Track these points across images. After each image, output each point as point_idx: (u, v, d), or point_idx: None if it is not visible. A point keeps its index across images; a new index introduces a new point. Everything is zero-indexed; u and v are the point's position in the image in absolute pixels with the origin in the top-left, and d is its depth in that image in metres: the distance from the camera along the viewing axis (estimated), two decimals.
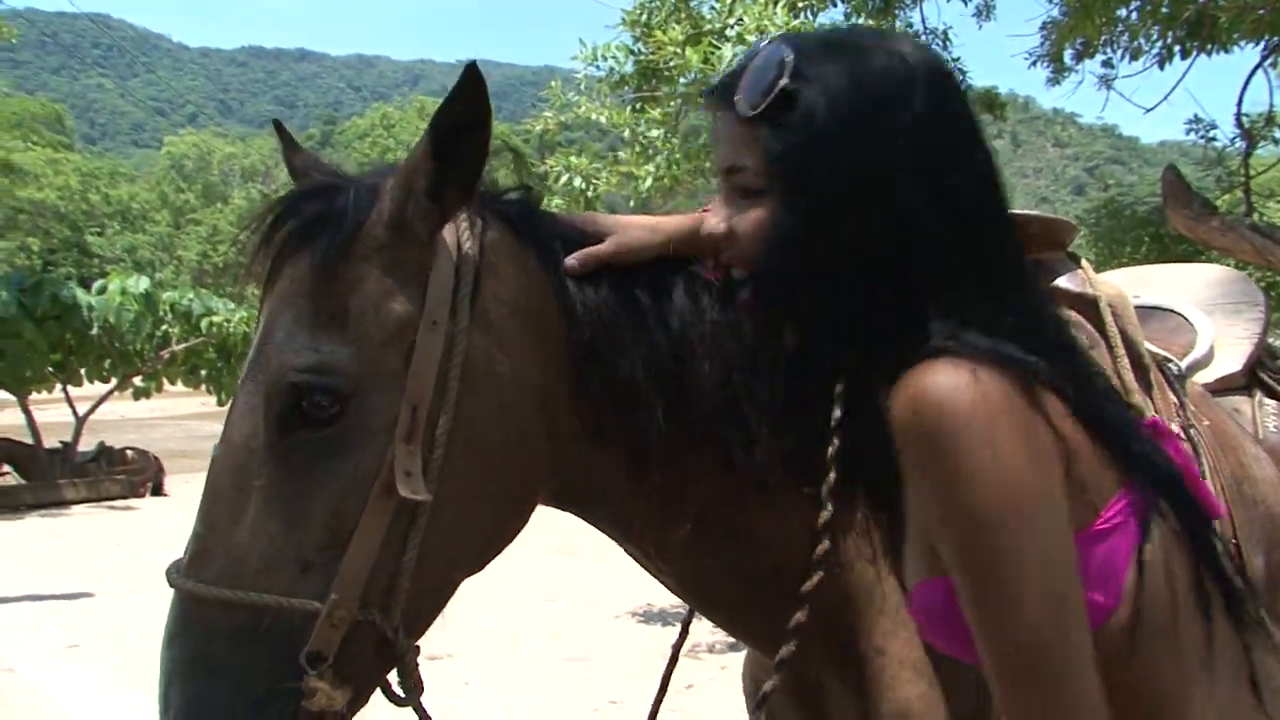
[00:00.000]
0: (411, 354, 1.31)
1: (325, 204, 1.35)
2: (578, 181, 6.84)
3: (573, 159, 6.96)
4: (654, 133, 6.83)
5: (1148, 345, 2.06)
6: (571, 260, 1.44)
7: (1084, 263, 2.17)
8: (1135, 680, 1.03)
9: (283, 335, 1.30)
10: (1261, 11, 5.81)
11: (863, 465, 1.29)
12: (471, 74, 1.30)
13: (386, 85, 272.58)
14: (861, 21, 6.82)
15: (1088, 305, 2.06)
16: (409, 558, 1.29)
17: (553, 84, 7.19)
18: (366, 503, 1.27)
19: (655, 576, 1.65)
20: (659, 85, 6.98)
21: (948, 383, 0.98)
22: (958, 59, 8.46)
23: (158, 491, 19.39)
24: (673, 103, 6.86)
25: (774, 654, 1.46)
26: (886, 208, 1.12)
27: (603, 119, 6.94)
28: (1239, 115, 9.06)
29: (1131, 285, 2.28)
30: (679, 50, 6.11)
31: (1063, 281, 2.12)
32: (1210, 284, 2.40)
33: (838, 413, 1.49)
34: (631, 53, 7.00)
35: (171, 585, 1.29)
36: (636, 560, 1.65)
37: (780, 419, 1.47)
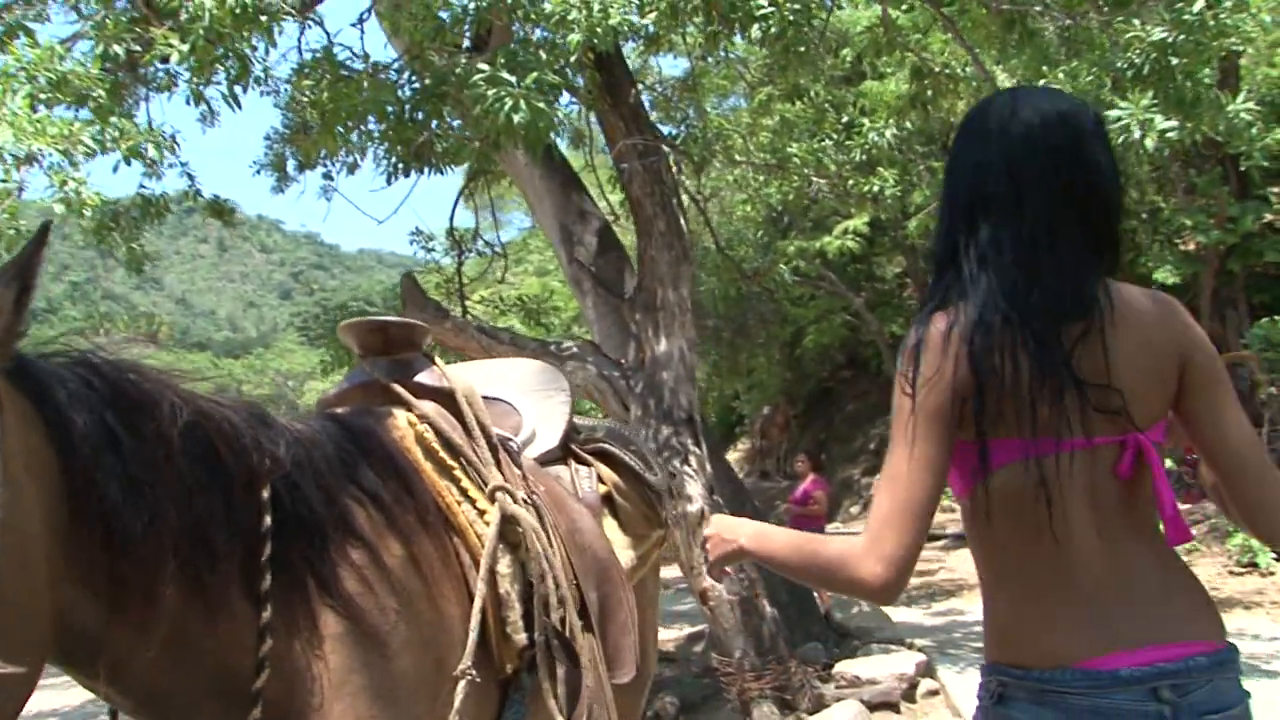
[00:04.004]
0: None
1: None
2: None
3: None
4: None
5: (494, 429, 2.40)
6: None
7: (437, 359, 2.45)
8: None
9: None
10: (477, 144, 6.79)
11: None
12: (48, 228, 1.36)
13: None
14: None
15: (445, 397, 2.34)
16: None
17: None
18: None
19: (110, 700, 1.65)
20: None
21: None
22: (185, 163, 8.45)
23: None
24: None
25: None
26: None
27: None
28: (451, 229, 10.38)
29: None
30: None
31: (422, 377, 2.38)
32: (526, 375, 2.84)
33: (268, 521, 1.70)
34: None
35: None
36: (90, 688, 1.62)
37: (236, 535, 1.68)
